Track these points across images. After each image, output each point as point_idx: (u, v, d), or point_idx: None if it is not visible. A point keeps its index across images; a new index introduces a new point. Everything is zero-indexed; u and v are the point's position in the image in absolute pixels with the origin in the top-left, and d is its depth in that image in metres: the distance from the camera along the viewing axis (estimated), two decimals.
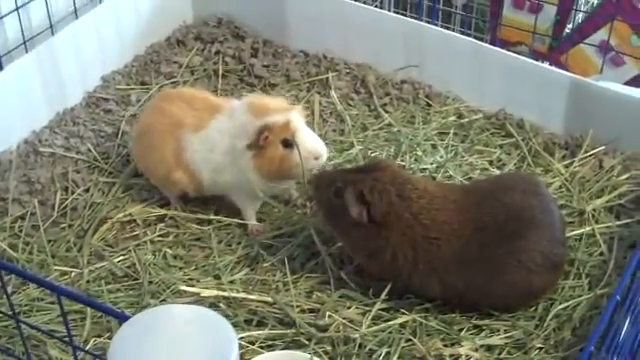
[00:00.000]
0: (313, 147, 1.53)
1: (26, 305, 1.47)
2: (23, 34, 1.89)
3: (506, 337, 1.41)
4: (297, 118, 1.55)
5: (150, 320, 0.76)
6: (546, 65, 1.95)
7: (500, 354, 1.39)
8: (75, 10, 1.99)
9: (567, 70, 1.93)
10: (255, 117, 1.53)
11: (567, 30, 2.23)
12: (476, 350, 1.38)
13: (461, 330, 1.42)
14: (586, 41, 2.13)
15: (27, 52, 1.86)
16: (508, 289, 1.41)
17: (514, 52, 1.94)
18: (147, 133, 1.65)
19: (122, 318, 0.80)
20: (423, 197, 1.41)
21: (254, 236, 1.61)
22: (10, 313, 1.03)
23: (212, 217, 1.66)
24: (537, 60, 1.97)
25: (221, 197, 1.68)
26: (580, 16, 2.25)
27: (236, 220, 1.65)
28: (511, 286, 1.40)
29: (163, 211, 1.68)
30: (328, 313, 1.42)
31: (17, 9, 1.86)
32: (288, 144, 1.53)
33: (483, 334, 1.42)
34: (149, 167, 1.68)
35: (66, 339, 0.99)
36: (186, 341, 0.73)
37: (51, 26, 1.94)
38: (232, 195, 1.65)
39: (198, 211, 1.68)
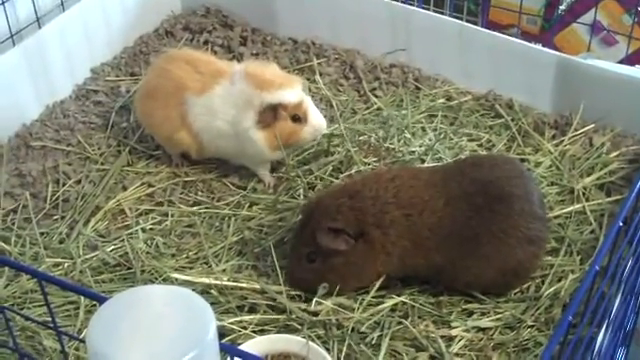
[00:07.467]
0: (319, 124, 1.65)
1: (19, 297, 1.48)
2: (10, 28, 1.89)
3: (498, 314, 1.41)
4: (306, 96, 1.64)
5: (128, 301, 0.76)
6: (533, 45, 1.94)
7: (493, 335, 1.38)
8: (62, 2, 1.99)
9: (560, 51, 1.92)
10: (260, 90, 1.58)
11: (559, 11, 2.23)
12: (467, 331, 1.38)
13: (451, 313, 1.42)
14: (578, 21, 2.13)
15: (14, 46, 1.86)
16: (484, 264, 1.39)
17: (506, 35, 1.93)
18: (151, 95, 1.71)
19: (103, 301, 0.80)
20: (368, 184, 1.41)
21: (272, 189, 1.69)
22: None
23: (202, 205, 1.67)
24: (529, 42, 1.96)
25: (211, 179, 1.73)
26: None
27: (225, 211, 1.66)
28: (486, 260, 1.39)
29: (155, 200, 1.68)
30: (317, 299, 1.42)
31: (3, 3, 1.86)
32: (297, 119, 1.62)
33: (475, 316, 1.41)
34: (153, 126, 1.74)
35: (52, 325, 0.99)
36: (163, 320, 0.74)
37: (38, 19, 1.94)
38: (235, 160, 1.71)
39: (190, 194, 1.70)
